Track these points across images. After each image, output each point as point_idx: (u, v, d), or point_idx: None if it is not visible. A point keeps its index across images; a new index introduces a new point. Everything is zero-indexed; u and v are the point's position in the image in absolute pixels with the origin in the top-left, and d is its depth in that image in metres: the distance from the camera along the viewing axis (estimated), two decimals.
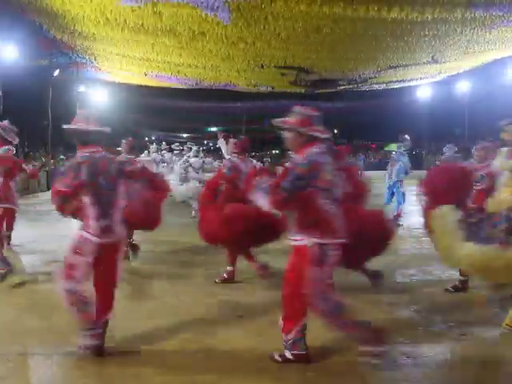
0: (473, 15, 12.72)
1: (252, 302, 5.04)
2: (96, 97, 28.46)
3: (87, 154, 3.59)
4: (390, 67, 19.67)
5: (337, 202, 3.54)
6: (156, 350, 3.85)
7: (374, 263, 6.45)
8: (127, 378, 3.39)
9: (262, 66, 19.12)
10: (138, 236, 8.49)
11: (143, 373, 3.47)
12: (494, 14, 12.62)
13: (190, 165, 11.15)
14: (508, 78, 23.54)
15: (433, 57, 17.92)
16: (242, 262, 5.89)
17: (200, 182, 10.51)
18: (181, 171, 11.08)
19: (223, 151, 10.14)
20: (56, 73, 21.17)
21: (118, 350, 3.82)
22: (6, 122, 6.73)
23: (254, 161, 20.33)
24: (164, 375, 3.44)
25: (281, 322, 3.61)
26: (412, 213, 12.71)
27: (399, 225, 10.28)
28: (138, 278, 6.04)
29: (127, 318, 4.56)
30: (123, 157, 7.64)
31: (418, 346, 3.95)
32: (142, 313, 4.72)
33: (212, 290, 5.52)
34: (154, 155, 14.53)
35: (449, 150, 12.12)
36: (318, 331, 4.26)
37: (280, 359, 3.59)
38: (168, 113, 35.89)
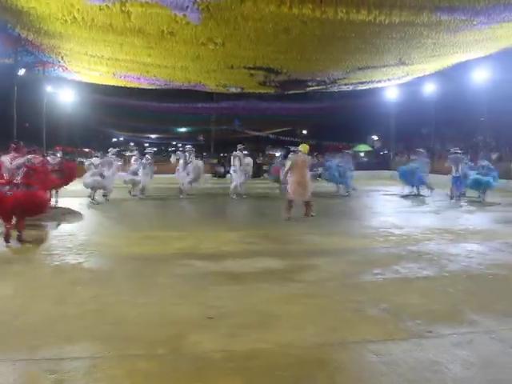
0: (438, 19, 12.98)
1: (221, 304, 5.02)
2: (63, 97, 28.03)
3: None
4: (359, 69, 19.88)
5: None
6: (126, 354, 3.82)
7: (343, 263, 6.54)
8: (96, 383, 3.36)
9: (232, 67, 19.11)
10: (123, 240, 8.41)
11: (113, 377, 3.44)
12: (458, 18, 12.91)
13: (92, 163, 15.34)
14: (472, 80, 24.18)
15: (400, 59, 18.21)
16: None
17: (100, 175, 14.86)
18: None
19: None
20: (21, 72, 20.73)
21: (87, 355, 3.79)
22: None
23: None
24: (134, 378, 3.42)
25: None
26: (382, 213, 12.93)
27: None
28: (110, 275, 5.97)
29: (94, 322, 4.51)
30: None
31: (387, 344, 4.01)
32: (107, 317, 4.65)
33: (182, 291, 5.49)
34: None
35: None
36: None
37: None
38: (136, 113, 35.55)
